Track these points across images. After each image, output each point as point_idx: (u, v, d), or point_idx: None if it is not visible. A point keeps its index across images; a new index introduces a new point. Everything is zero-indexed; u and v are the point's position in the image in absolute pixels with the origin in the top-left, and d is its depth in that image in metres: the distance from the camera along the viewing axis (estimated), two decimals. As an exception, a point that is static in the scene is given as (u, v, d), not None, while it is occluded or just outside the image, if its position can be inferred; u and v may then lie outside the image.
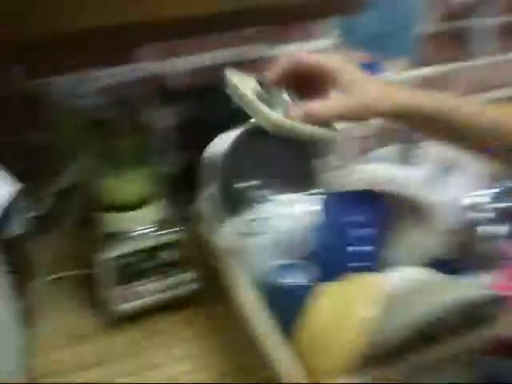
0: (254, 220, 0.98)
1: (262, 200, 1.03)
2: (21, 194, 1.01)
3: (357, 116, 0.71)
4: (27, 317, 1.06)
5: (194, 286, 1.06)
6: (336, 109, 0.70)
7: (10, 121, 1.12)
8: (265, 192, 1.04)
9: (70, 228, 1.21)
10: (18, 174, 1.05)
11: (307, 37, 1.31)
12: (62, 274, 1.20)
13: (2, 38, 0.69)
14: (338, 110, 0.70)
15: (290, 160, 1.10)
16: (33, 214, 1.13)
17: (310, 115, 0.70)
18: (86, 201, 1.17)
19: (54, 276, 1.20)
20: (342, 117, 0.71)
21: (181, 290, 1.06)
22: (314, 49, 1.32)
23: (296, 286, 0.88)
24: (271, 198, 1.03)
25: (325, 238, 0.92)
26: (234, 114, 0.82)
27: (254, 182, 1.04)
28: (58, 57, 1.04)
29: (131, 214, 1.03)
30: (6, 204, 0.79)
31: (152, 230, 1.04)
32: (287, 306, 0.84)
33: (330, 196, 0.97)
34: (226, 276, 0.95)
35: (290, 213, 1.01)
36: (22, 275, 1.14)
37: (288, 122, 0.71)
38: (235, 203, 1.00)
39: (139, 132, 1.00)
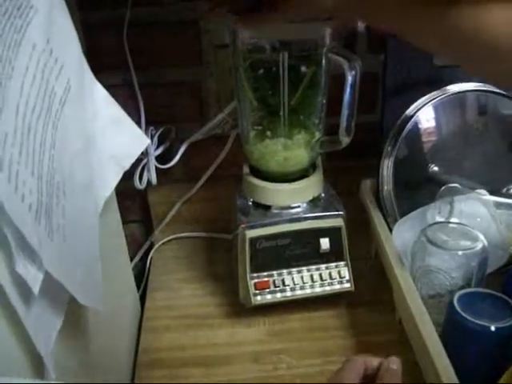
0: (444, 221, 0.80)
1: (459, 192, 0.84)
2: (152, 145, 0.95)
3: None
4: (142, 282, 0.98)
5: (348, 285, 0.81)
6: None
7: (154, 54, 0.93)
8: (463, 182, 0.85)
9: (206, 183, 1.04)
10: (156, 116, 0.90)
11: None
12: (188, 234, 1.01)
13: None
14: None
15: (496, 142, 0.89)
16: (166, 164, 0.99)
17: None
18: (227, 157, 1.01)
19: (179, 235, 1.06)
20: None
21: (330, 288, 0.83)
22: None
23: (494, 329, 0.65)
24: (472, 193, 0.83)
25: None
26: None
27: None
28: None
29: (284, 186, 0.84)
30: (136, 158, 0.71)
31: (307, 209, 0.85)
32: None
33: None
34: (392, 280, 0.79)
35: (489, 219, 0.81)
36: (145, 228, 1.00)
37: None
38: (425, 192, 0.85)
39: (315, 85, 0.74)
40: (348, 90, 0.71)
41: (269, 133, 0.80)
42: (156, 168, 0.96)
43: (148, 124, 0.94)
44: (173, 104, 0.98)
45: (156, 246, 1.04)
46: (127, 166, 0.65)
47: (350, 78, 0.70)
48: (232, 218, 0.87)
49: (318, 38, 0.73)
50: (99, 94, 0.62)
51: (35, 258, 0.41)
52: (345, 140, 0.76)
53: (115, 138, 0.63)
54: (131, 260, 1.00)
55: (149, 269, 1.01)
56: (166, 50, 0.94)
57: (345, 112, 0.73)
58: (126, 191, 0.93)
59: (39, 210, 0.43)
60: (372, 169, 0.90)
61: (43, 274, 0.42)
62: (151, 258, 1.03)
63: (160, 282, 0.97)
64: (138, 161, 0.93)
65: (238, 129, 0.92)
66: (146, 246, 1.06)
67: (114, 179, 0.64)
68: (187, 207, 1.06)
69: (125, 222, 0.88)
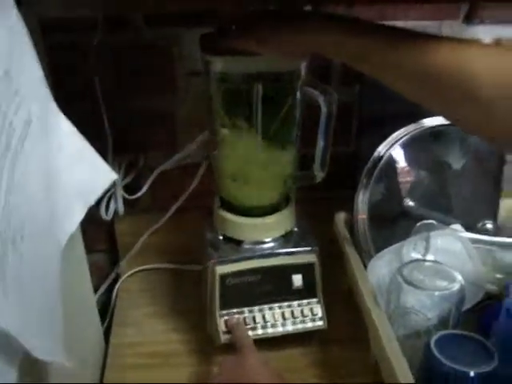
0: (419, 257, 0.79)
1: (434, 228, 0.82)
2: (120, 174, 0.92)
3: None
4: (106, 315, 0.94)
5: (321, 323, 0.78)
6: None
7: (123, 81, 0.89)
8: (439, 217, 0.84)
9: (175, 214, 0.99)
10: (124, 144, 0.86)
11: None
12: (156, 266, 0.98)
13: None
14: None
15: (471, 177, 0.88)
16: (133, 195, 0.96)
17: None
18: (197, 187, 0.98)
19: (146, 266, 1.04)
20: None
21: (303, 326, 0.81)
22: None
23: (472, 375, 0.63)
24: (447, 229, 0.83)
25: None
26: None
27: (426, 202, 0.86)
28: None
29: (256, 220, 0.81)
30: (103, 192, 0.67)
31: (279, 245, 0.82)
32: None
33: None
34: (368, 321, 0.76)
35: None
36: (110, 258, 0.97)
37: None
38: (400, 226, 0.84)
39: (290, 118, 0.72)
40: (323, 124, 0.69)
41: (241, 165, 0.77)
42: (123, 198, 0.92)
43: (116, 152, 0.91)
44: (142, 132, 0.95)
45: (122, 277, 1.00)
46: (92, 201, 0.62)
47: (325, 113, 0.68)
48: (201, 251, 0.84)
49: (293, 70, 0.71)
50: (63, 126, 0.58)
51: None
52: (319, 175, 0.75)
53: (80, 174, 0.59)
54: (95, 292, 0.95)
55: (114, 302, 0.96)
56: (137, 76, 0.91)
57: (320, 147, 0.72)
58: (91, 219, 0.88)
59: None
60: (345, 200, 0.88)
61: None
62: (117, 291, 0.98)
63: (126, 316, 0.94)
64: (105, 191, 0.89)
65: (209, 159, 0.89)
66: (111, 278, 1.02)
67: (78, 216, 0.61)
68: (155, 238, 1.02)
69: (89, 251, 0.84)
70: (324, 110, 0.69)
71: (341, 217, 0.90)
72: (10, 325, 0.40)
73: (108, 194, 0.90)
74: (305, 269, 0.80)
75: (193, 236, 0.89)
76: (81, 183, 0.60)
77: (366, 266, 0.82)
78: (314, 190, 0.89)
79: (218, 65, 0.69)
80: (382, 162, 0.83)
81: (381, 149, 0.84)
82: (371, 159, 0.83)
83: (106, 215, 0.90)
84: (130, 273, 1.02)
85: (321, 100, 0.68)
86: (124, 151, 0.93)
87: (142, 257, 1.03)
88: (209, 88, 0.74)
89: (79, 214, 0.61)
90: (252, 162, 0.77)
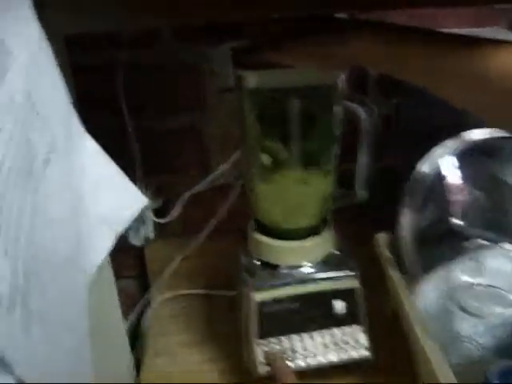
0: (470, 280, 0.73)
1: (484, 248, 0.76)
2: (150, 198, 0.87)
3: None
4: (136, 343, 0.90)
5: (366, 353, 0.73)
6: None
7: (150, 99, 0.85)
8: (488, 236, 0.78)
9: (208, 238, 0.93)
10: (153, 165, 0.83)
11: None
12: (188, 292, 0.93)
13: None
14: None
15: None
16: (163, 218, 0.92)
17: None
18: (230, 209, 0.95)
19: (178, 292, 0.99)
20: None
21: (347, 356, 0.74)
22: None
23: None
24: (497, 248, 0.76)
25: None
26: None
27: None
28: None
29: (294, 244, 0.76)
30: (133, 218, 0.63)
31: (318, 269, 0.77)
32: None
33: None
34: (416, 347, 0.70)
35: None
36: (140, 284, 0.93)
37: None
38: (448, 248, 0.77)
39: (328, 134, 0.67)
40: (364, 141, 0.64)
41: (277, 186, 0.73)
42: (153, 222, 0.88)
43: (145, 175, 0.87)
44: (172, 152, 0.91)
45: (153, 304, 0.96)
46: (121, 229, 0.58)
47: (366, 128, 0.64)
48: (236, 276, 0.80)
49: (330, 84, 0.66)
50: (89, 148, 0.55)
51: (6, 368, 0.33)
52: (361, 193, 0.69)
53: (107, 199, 0.56)
54: (125, 320, 0.91)
55: (145, 330, 0.92)
56: (165, 94, 0.88)
57: (361, 164, 0.66)
58: (119, 245, 0.85)
59: (13, 297, 0.35)
60: (382, 219, 0.84)
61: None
62: (148, 319, 0.94)
63: (158, 345, 0.89)
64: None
65: (243, 180, 0.85)
66: (141, 305, 0.98)
67: (106, 244, 0.57)
68: (187, 263, 0.98)
69: (118, 277, 0.80)
70: (365, 125, 0.64)
71: (382, 237, 0.85)
72: (32, 373, 0.36)
73: (137, 219, 0.86)
74: (346, 294, 0.75)
75: (226, 260, 0.85)
76: (108, 209, 0.56)
77: (410, 289, 0.76)
78: (351, 209, 0.84)
79: (252, 80, 0.65)
80: (426, 178, 0.77)
81: (423, 164, 0.78)
82: (413, 175, 0.78)
83: (135, 240, 0.86)
84: (161, 299, 0.97)
85: (361, 115, 0.64)
86: (153, 173, 0.90)
87: (173, 282, 0.99)
88: (242, 105, 0.70)
89: (107, 243, 0.57)
90: (289, 182, 0.72)
